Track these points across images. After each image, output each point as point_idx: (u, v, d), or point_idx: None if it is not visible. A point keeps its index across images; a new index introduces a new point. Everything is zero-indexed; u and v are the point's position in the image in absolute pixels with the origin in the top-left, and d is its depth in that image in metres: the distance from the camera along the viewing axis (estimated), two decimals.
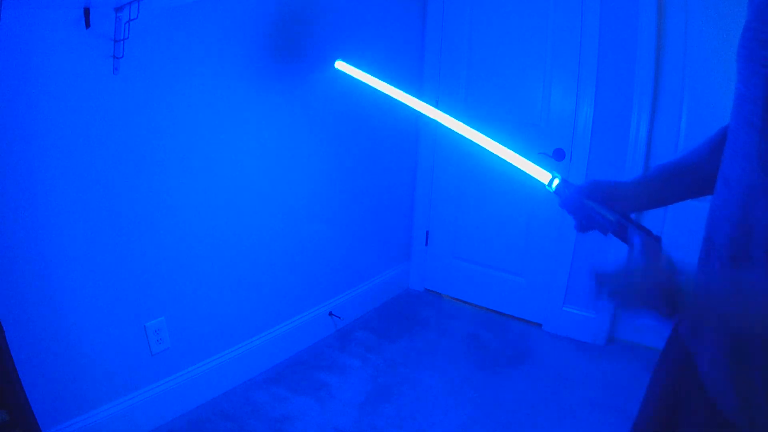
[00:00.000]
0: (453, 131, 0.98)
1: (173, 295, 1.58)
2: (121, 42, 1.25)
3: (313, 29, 1.79)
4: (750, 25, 0.53)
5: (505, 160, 0.89)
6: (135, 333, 1.50)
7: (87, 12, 1.19)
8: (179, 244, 1.56)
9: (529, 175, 0.86)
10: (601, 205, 0.76)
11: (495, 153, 0.91)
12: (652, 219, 1.96)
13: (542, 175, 0.85)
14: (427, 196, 2.58)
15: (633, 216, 0.75)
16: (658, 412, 0.72)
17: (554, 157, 2.10)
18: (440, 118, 0.96)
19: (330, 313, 2.20)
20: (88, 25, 1.20)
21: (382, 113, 2.25)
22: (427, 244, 2.66)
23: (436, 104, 2.42)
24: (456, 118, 0.99)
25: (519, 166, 0.88)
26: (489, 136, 0.91)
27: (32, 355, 1.26)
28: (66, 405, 1.37)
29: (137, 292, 1.48)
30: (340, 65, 1.03)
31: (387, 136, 2.33)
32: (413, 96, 0.89)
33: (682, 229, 1.94)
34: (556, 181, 0.84)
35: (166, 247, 1.52)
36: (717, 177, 0.62)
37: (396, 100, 0.94)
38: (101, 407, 1.45)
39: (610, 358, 2.10)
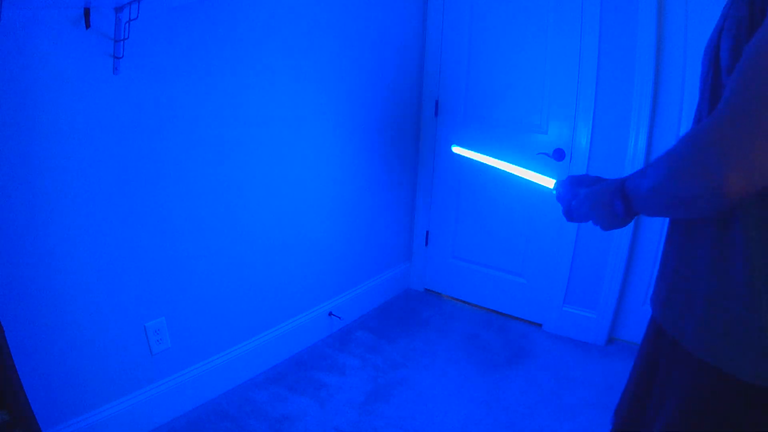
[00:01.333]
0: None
1: (173, 295, 1.58)
2: (121, 42, 1.25)
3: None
4: (711, 35, 0.66)
5: (518, 176, 1.07)
6: (135, 333, 1.50)
7: (87, 12, 1.19)
8: (179, 244, 1.56)
9: (537, 184, 1.02)
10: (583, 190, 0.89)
11: (510, 172, 1.08)
12: (651, 222, 1.97)
13: (547, 182, 1.00)
14: (427, 196, 2.58)
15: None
16: (642, 368, 0.83)
17: (554, 157, 2.10)
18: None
19: (330, 313, 2.20)
20: (88, 25, 1.20)
21: (383, 113, 2.25)
22: (427, 244, 2.66)
23: (436, 106, 2.42)
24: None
25: (530, 179, 1.04)
26: (505, 160, 1.11)
27: (32, 355, 1.26)
28: (66, 405, 1.38)
29: (137, 292, 1.48)
30: (457, 150, 1.17)
31: (387, 136, 2.33)
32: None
33: None
34: (554, 182, 0.98)
35: (166, 247, 1.52)
36: None
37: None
38: (101, 407, 1.45)
39: (610, 358, 2.10)
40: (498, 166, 1.11)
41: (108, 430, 1.46)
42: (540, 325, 2.36)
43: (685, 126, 1.86)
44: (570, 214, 0.89)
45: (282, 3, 1.67)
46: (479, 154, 1.15)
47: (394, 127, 2.36)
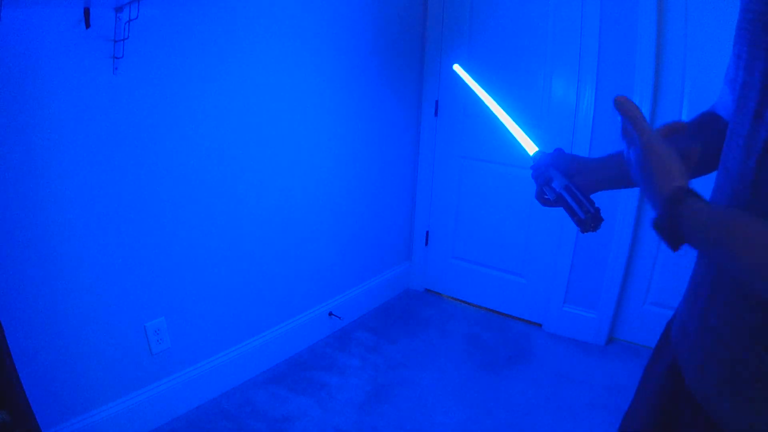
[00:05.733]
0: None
1: (173, 295, 1.58)
2: (121, 42, 1.25)
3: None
4: (751, 7, 0.51)
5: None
6: (135, 333, 1.50)
7: (87, 12, 1.19)
8: (179, 244, 1.56)
9: (519, 143, 0.86)
10: (561, 175, 0.75)
11: (496, 114, 0.91)
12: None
13: (530, 147, 0.85)
14: (427, 196, 2.58)
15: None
16: (652, 418, 0.69)
17: None
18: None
19: (330, 313, 2.20)
20: (88, 25, 1.20)
21: (382, 111, 2.25)
22: (427, 244, 2.66)
23: (436, 106, 2.42)
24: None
25: (513, 132, 0.88)
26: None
27: (32, 355, 1.26)
28: (66, 405, 1.37)
29: (137, 292, 1.48)
30: (458, 68, 1.04)
31: (387, 136, 2.33)
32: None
33: None
34: (536, 150, 0.84)
35: (166, 247, 1.52)
36: (718, 167, 0.59)
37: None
38: (101, 407, 1.45)
39: (610, 358, 2.10)
40: (491, 107, 0.98)
41: (108, 430, 1.46)
42: (540, 325, 2.36)
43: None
44: (542, 198, 0.78)
45: (282, 2, 1.67)
46: (477, 85, 1.02)
47: (394, 126, 2.36)
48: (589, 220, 0.69)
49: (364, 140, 2.18)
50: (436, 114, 2.44)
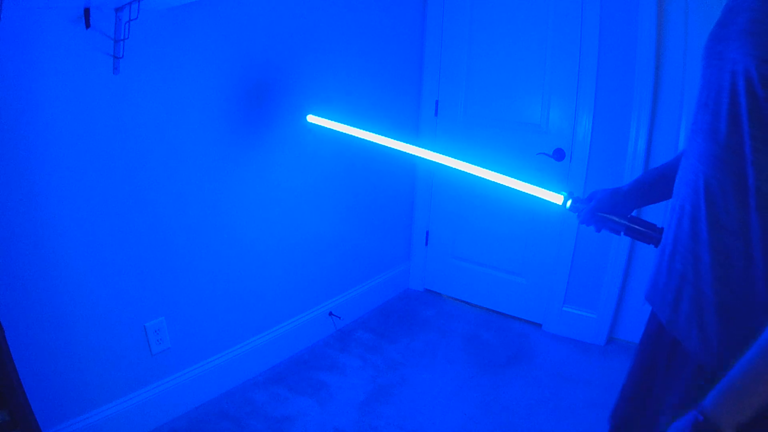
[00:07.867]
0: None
1: (173, 295, 1.58)
2: (121, 42, 1.25)
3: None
4: (713, 29, 0.66)
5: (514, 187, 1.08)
6: (135, 333, 1.50)
7: (87, 12, 1.19)
8: (180, 244, 1.56)
9: (542, 199, 1.03)
10: (611, 215, 0.96)
11: (503, 183, 1.04)
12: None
13: (555, 198, 1.01)
14: (427, 196, 2.58)
15: (635, 213, 0.96)
16: (642, 368, 0.84)
17: (554, 157, 2.10)
18: (438, 159, 1.08)
19: (330, 313, 2.20)
20: (88, 25, 1.20)
21: (382, 112, 2.25)
22: (427, 244, 2.66)
23: (436, 106, 2.42)
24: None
25: (530, 192, 1.05)
26: (494, 168, 1.09)
27: (32, 355, 1.26)
28: (66, 405, 1.37)
29: (137, 292, 1.48)
30: (312, 119, 1.05)
31: (387, 136, 2.32)
32: (405, 142, 0.99)
33: None
34: (569, 202, 1.02)
35: (166, 247, 1.52)
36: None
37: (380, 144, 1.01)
38: (101, 407, 1.45)
39: (610, 358, 2.10)
40: (475, 173, 1.11)
41: (108, 430, 1.46)
42: (540, 325, 2.36)
43: (686, 127, 1.86)
44: (601, 229, 0.97)
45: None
46: (348, 126, 1.07)
47: (394, 126, 2.36)
48: (660, 238, 0.86)
49: (363, 139, 2.18)
50: (436, 114, 2.44)
